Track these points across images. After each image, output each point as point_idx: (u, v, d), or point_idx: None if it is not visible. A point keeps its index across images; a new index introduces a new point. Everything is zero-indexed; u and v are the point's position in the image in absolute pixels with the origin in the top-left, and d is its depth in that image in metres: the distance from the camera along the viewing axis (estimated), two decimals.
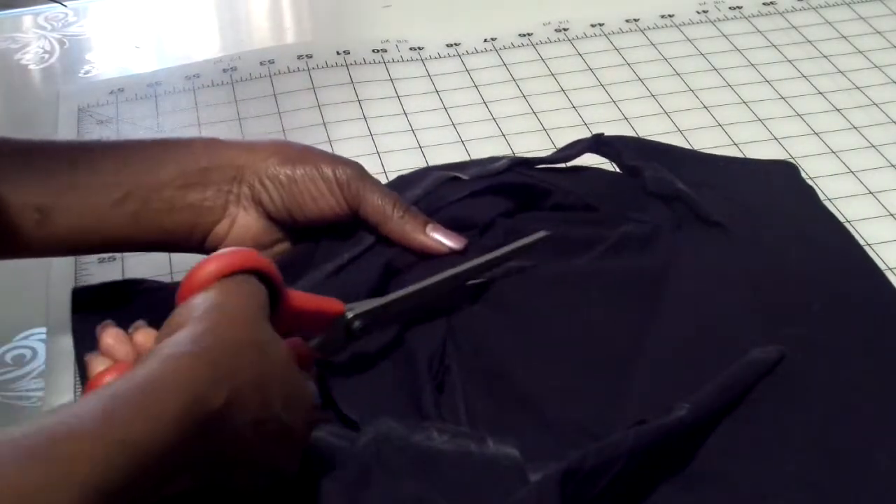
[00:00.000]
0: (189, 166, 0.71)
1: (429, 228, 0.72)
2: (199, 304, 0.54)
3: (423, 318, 0.68)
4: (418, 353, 0.66)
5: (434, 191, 0.76)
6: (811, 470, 0.60)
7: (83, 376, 0.68)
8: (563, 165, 0.82)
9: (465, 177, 0.76)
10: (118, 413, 0.46)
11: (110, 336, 0.57)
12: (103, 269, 0.80)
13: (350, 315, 0.64)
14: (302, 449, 0.56)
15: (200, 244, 0.72)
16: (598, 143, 0.81)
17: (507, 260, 0.70)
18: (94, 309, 0.72)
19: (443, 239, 0.72)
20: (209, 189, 0.71)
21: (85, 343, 0.70)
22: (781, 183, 0.82)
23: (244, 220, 0.72)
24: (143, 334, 0.57)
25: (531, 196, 0.77)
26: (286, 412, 0.54)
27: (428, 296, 0.67)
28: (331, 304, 0.63)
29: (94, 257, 0.81)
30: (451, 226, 0.73)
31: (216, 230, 0.72)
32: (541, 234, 0.71)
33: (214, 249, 0.66)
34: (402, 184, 0.78)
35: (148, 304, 0.73)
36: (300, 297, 0.60)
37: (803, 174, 0.84)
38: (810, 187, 0.82)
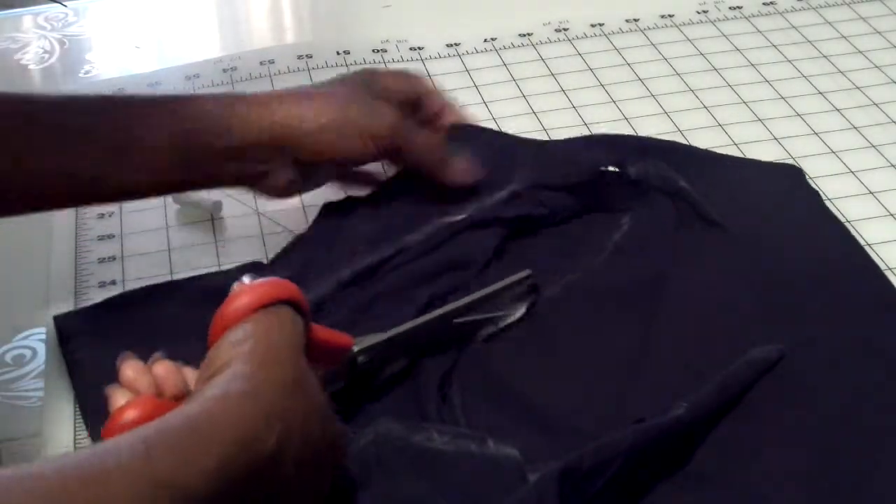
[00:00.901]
0: (231, 143, 0.73)
1: (456, 160, 0.77)
2: (239, 340, 0.52)
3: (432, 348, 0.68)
4: (428, 371, 0.66)
5: (435, 234, 0.76)
6: (811, 470, 0.60)
7: (83, 408, 0.68)
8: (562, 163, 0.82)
9: (465, 216, 0.76)
10: (157, 453, 0.45)
11: (131, 368, 0.55)
12: (103, 269, 0.80)
13: (356, 349, 0.64)
14: (327, 490, 0.55)
15: (246, 187, 0.77)
16: (597, 143, 0.80)
17: (497, 295, 0.71)
18: (83, 332, 0.72)
19: (460, 171, 0.78)
20: (248, 163, 0.74)
21: (80, 369, 0.70)
22: (786, 185, 0.82)
23: (282, 172, 0.75)
24: (163, 367, 0.55)
25: (530, 222, 0.78)
26: (324, 451, 0.53)
27: (430, 330, 0.68)
28: (343, 338, 0.63)
29: (94, 257, 0.81)
30: (452, 267, 0.74)
31: (258, 178, 0.75)
32: (524, 273, 0.72)
33: (251, 189, 0.76)
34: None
35: (139, 320, 0.73)
36: (320, 331, 0.59)
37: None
38: (815, 191, 0.82)
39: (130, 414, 0.52)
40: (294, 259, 0.76)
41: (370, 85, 0.79)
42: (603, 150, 0.81)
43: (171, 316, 0.73)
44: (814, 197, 0.81)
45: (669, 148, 0.84)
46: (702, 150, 0.86)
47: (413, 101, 0.81)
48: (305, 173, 0.76)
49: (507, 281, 0.71)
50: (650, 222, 0.76)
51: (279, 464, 0.49)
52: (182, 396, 0.54)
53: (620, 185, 0.79)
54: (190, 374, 0.56)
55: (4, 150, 0.69)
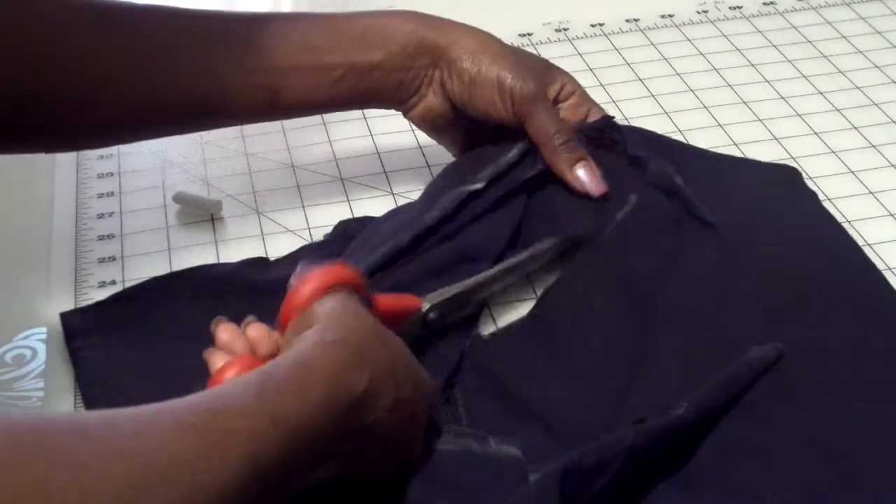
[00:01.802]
0: (396, 51, 0.78)
1: (577, 165, 0.77)
2: (320, 309, 0.57)
3: (440, 347, 0.69)
4: (430, 370, 0.66)
5: (455, 209, 0.76)
6: (811, 470, 0.60)
7: (87, 405, 0.68)
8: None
9: (480, 185, 0.76)
10: (269, 393, 0.49)
11: (226, 331, 0.59)
12: (103, 269, 0.80)
13: (426, 307, 0.68)
14: (424, 434, 0.58)
15: (396, 108, 0.81)
16: (607, 127, 0.80)
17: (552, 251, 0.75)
18: (89, 330, 0.73)
19: (585, 180, 0.77)
20: (411, 72, 0.79)
21: (85, 366, 0.71)
22: (783, 186, 0.82)
23: (430, 101, 0.80)
24: (256, 328, 0.59)
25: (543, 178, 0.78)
26: (414, 396, 0.56)
27: (491, 285, 0.72)
28: (410, 301, 0.67)
29: (94, 258, 0.81)
30: (464, 259, 0.74)
31: (408, 103, 0.80)
32: (554, 239, 0.75)
33: (406, 114, 0.81)
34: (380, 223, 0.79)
35: (145, 316, 0.73)
36: (384, 301, 0.63)
37: (803, 174, 0.84)
38: (812, 192, 0.82)
39: (231, 372, 0.56)
40: (306, 258, 0.77)
41: (532, 59, 0.82)
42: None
43: (178, 310, 0.73)
44: (811, 198, 0.81)
45: (669, 144, 0.84)
46: (700, 148, 0.86)
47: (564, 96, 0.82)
48: (449, 119, 0.80)
49: (544, 244, 0.75)
50: (652, 211, 0.75)
51: (372, 406, 0.53)
52: (275, 356, 0.57)
53: (622, 166, 0.79)
54: (277, 335, 0.59)
55: (206, 70, 0.75)
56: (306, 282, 0.59)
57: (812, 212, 0.80)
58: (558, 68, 0.82)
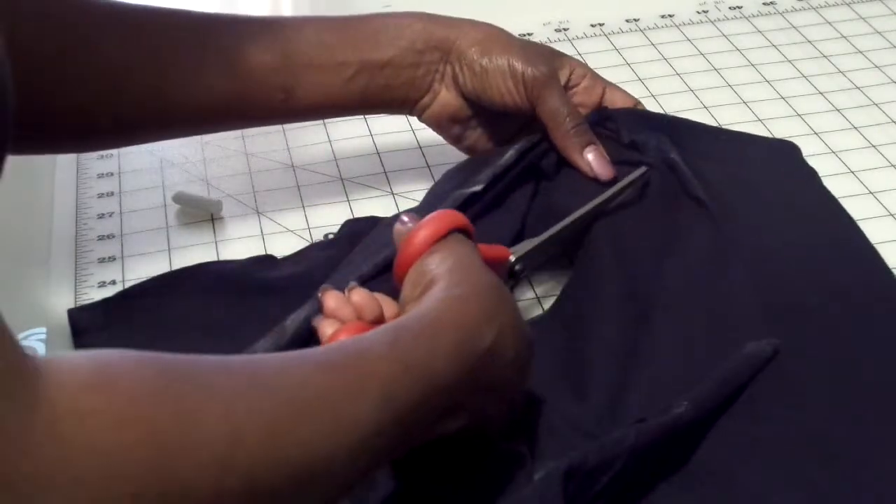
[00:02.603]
0: (406, 48, 0.79)
1: (587, 149, 0.77)
2: (438, 262, 0.58)
3: None
4: None
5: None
6: (811, 469, 0.60)
7: None
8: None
9: (480, 187, 0.76)
10: (403, 342, 0.51)
11: (332, 299, 0.60)
12: (103, 269, 0.80)
13: (513, 258, 0.68)
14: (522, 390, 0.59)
15: (409, 112, 0.82)
16: (601, 119, 0.80)
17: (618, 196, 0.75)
18: (97, 327, 0.73)
19: (594, 164, 0.77)
20: (421, 68, 0.80)
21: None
22: (782, 161, 0.83)
23: (444, 97, 0.81)
24: (359, 294, 0.60)
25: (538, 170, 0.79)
26: (526, 351, 0.57)
27: (573, 229, 0.72)
28: (501, 251, 0.68)
29: (94, 258, 0.81)
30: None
31: (422, 102, 0.81)
32: (642, 169, 0.75)
33: (420, 116, 0.82)
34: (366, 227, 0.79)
35: (153, 313, 0.73)
36: (482, 249, 0.63)
37: None
38: (812, 168, 0.82)
39: (342, 339, 0.56)
40: (313, 256, 0.77)
41: (540, 46, 0.83)
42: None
43: (186, 307, 0.73)
44: (810, 173, 0.82)
45: (669, 121, 0.84)
46: (699, 123, 0.86)
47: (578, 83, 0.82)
48: (465, 115, 0.81)
49: (628, 180, 0.75)
50: (651, 194, 0.75)
51: (498, 359, 0.54)
52: (381, 320, 0.59)
53: (616, 149, 0.79)
54: (383, 300, 0.61)
55: (221, 70, 0.75)
56: (420, 229, 0.59)
57: (811, 191, 0.80)
58: (565, 54, 0.83)
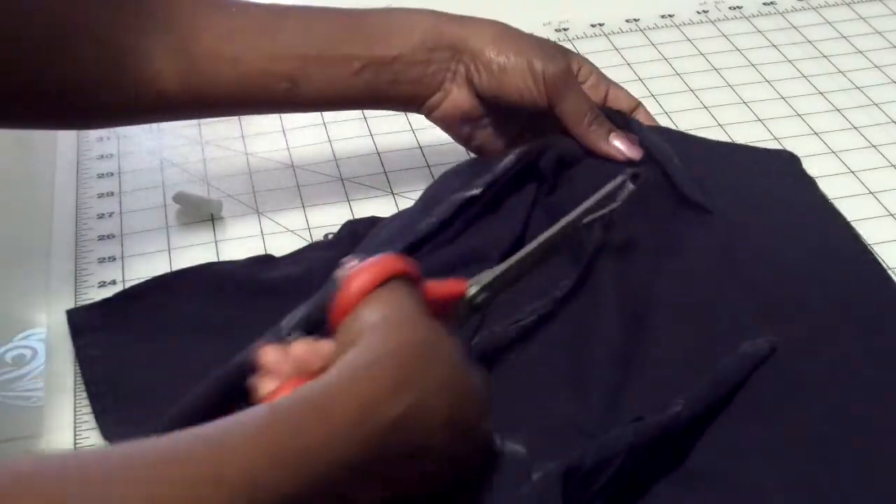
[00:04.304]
0: (416, 45, 0.78)
1: (612, 136, 0.78)
2: (366, 317, 0.53)
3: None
4: None
5: (452, 215, 0.75)
6: (811, 469, 0.60)
7: (94, 403, 0.69)
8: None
9: (477, 191, 0.75)
10: (277, 426, 0.46)
11: (271, 353, 0.55)
12: (103, 269, 0.80)
13: (473, 291, 0.63)
14: (485, 446, 0.54)
15: (417, 110, 0.81)
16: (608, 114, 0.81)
17: (593, 211, 0.70)
18: (96, 328, 0.73)
19: (622, 147, 0.77)
20: (431, 66, 0.78)
21: (91, 364, 0.71)
22: (782, 172, 0.82)
23: (455, 96, 0.79)
24: (301, 346, 0.55)
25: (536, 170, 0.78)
26: (470, 404, 0.52)
27: (535, 258, 0.67)
28: (455, 286, 0.62)
29: (94, 258, 0.81)
30: (473, 256, 0.72)
31: (431, 100, 0.80)
32: (619, 179, 0.72)
33: (429, 115, 0.80)
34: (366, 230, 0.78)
35: (152, 314, 0.73)
36: (433, 286, 0.58)
37: None
38: (811, 178, 0.82)
39: (282, 396, 0.51)
40: (313, 256, 0.77)
41: (549, 42, 0.82)
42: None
43: (184, 308, 0.73)
44: (810, 183, 0.81)
45: (667, 132, 0.84)
46: (698, 136, 0.86)
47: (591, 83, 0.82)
48: (477, 114, 0.80)
49: (603, 192, 0.70)
50: (650, 195, 0.75)
51: (419, 425, 0.49)
52: (325, 370, 0.53)
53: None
54: (327, 346, 0.55)
55: (227, 56, 0.75)
56: (354, 278, 0.54)
57: (811, 200, 0.80)
58: (570, 51, 0.83)
